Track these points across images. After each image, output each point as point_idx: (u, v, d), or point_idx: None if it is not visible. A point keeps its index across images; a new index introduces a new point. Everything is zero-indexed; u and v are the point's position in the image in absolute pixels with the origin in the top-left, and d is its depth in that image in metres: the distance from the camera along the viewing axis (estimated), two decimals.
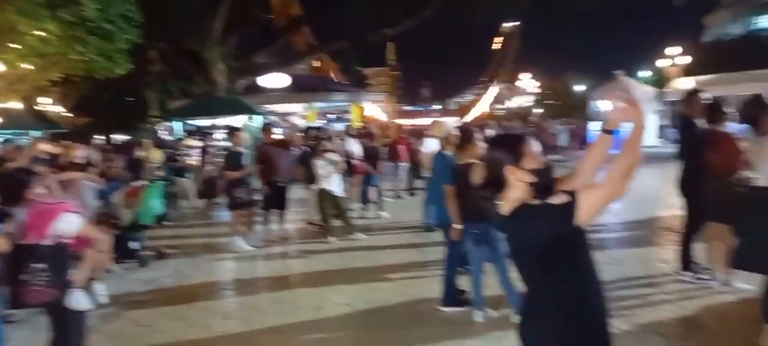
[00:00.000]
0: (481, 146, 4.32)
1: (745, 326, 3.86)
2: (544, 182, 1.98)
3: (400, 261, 6.70)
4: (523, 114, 40.73)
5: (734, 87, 14.39)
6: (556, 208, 1.89)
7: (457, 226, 4.60)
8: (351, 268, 6.59)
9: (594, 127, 21.47)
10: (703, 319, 4.46)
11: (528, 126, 21.65)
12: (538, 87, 53.68)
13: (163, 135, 16.09)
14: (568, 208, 1.86)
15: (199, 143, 13.13)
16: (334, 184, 8.01)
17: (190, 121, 16.03)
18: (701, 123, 5.14)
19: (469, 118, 52.34)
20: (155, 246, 7.58)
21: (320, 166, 7.93)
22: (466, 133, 4.73)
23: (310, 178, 8.34)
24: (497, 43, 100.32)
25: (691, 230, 5.32)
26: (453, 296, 4.90)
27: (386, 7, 18.26)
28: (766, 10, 33.54)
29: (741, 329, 4.00)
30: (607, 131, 2.04)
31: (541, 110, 43.91)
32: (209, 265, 7.12)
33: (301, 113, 22.40)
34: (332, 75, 33.09)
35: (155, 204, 7.17)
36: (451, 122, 7.34)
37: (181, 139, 14.17)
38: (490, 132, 11.17)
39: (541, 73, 55.09)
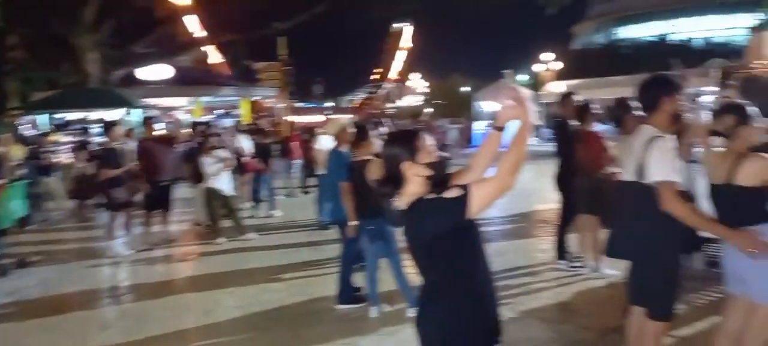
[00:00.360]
0: (376, 143, 4.35)
1: (614, 307, 4.26)
2: (440, 176, 2.03)
3: (294, 260, 6.58)
4: (414, 113, 41.89)
5: (599, 91, 15.83)
6: (450, 201, 1.95)
7: (353, 223, 4.60)
8: (242, 269, 6.37)
9: (479, 126, 22.67)
10: (577, 303, 4.86)
11: (419, 124, 22.30)
12: (427, 87, 55.52)
13: (25, 129, 14.50)
14: (462, 201, 1.92)
15: (70, 139, 11.99)
16: (223, 182, 7.69)
17: (59, 115, 14.59)
18: (573, 123, 5.58)
19: (361, 115, 52.91)
20: (17, 253, 6.80)
21: (208, 163, 7.58)
22: (361, 130, 4.74)
23: (197, 176, 7.95)
24: (388, 42, 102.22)
25: (565, 222, 5.77)
26: (348, 293, 4.90)
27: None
28: (626, 22, 37.40)
29: (610, 310, 4.41)
30: (497, 128, 2.13)
31: (430, 109, 45.45)
32: (83, 272, 6.51)
33: (185, 108, 21.28)
34: (220, 68, 31.75)
35: (16, 206, 6.44)
36: (346, 119, 7.35)
37: (47, 134, 12.85)
38: (385, 129, 11.35)
39: (430, 74, 57.05)
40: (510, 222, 8.27)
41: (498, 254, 6.19)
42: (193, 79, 22.87)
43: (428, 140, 2.06)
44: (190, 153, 8.50)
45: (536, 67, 31.12)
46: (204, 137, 8.53)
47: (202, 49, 27.39)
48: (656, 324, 2.95)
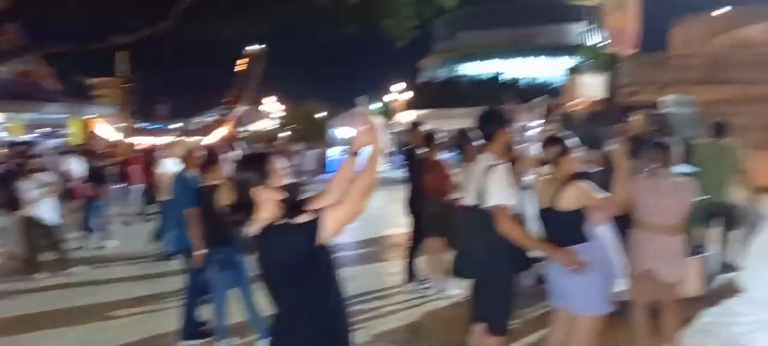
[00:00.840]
0: (226, 167, 4.17)
1: (459, 326, 4.50)
2: (292, 200, 2.00)
3: (131, 295, 6.00)
4: (269, 137, 41.09)
5: (443, 122, 17.02)
6: (301, 226, 1.94)
7: (200, 251, 4.33)
8: (68, 307, 5.65)
9: (333, 152, 22.95)
10: (425, 324, 5.06)
11: (273, 148, 21.93)
12: (283, 111, 54.93)
13: None
14: (313, 225, 1.91)
15: None
16: (45, 209, 6.81)
17: None
18: (421, 151, 5.89)
19: (212, 138, 50.61)
20: None
21: (27, 188, 6.66)
22: (211, 154, 4.51)
23: (13, 203, 6.93)
24: (241, 64, 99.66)
25: (414, 245, 6.02)
26: (193, 327, 4.58)
27: (116, 11, 16.43)
28: (465, 59, 40.88)
29: (455, 329, 4.64)
30: (352, 154, 2.16)
31: (286, 134, 45.01)
32: None
33: (1, 125, 18.62)
34: (46, 82, 28.31)
35: None
36: (194, 142, 6.98)
37: None
38: (237, 153, 10.96)
39: (285, 98, 56.54)
40: (362, 246, 8.42)
41: (350, 279, 6.18)
42: (12, 93, 20.04)
43: (280, 164, 2.03)
44: (5, 177, 7.42)
45: (387, 97, 32.53)
46: (23, 159, 7.51)
47: (24, 60, 24.24)
48: (495, 339, 3.18)
